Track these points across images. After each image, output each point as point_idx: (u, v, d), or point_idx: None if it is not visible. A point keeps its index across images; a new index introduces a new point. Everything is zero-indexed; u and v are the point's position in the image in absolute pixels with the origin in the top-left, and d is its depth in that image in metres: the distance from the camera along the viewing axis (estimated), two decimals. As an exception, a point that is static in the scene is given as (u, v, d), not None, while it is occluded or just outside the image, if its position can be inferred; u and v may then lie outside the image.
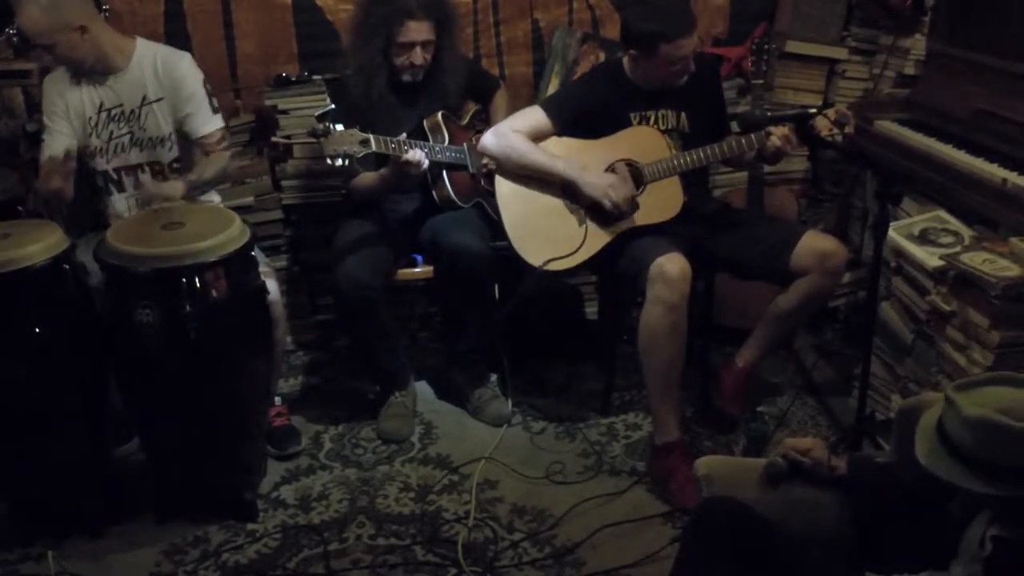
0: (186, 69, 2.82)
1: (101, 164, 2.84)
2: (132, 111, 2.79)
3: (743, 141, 2.81)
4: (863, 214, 3.47)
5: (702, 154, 2.82)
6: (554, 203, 2.87)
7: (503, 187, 2.91)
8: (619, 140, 2.87)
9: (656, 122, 2.90)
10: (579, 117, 2.89)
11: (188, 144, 2.87)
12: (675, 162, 2.83)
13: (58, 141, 2.76)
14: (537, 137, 2.88)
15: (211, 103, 2.85)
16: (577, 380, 3.37)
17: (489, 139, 2.90)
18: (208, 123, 2.84)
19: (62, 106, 2.76)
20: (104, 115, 2.79)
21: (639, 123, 2.89)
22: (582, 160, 2.86)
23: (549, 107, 2.92)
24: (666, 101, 2.90)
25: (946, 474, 1.49)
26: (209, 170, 2.82)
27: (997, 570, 1.53)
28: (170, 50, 2.86)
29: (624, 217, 2.82)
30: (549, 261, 2.82)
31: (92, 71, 2.75)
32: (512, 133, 2.87)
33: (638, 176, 2.85)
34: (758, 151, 2.83)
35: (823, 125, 2.68)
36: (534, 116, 2.91)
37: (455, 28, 3.08)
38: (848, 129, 2.69)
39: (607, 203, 2.78)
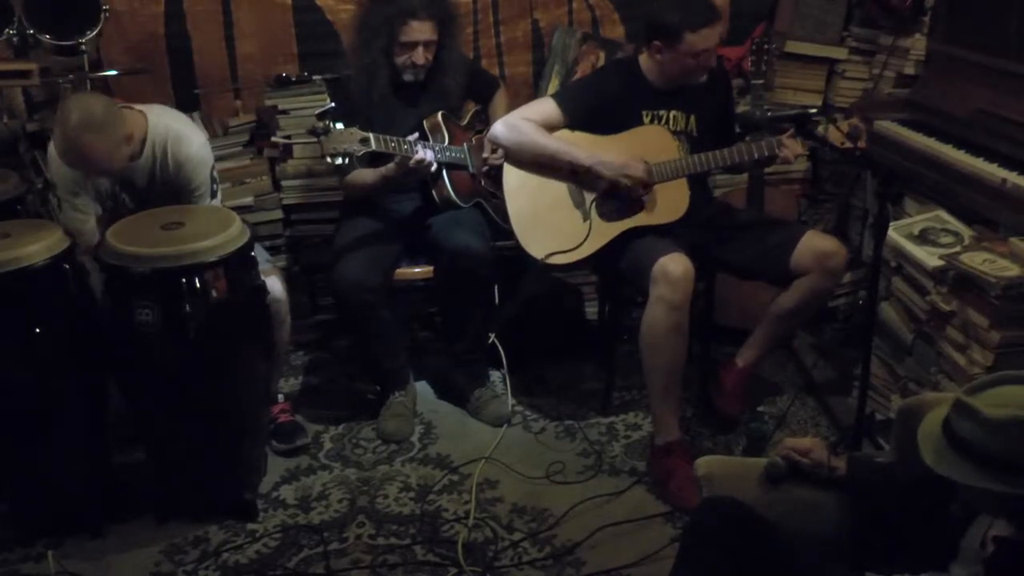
0: (195, 162, 2.72)
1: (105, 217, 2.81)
2: (141, 189, 2.75)
3: (753, 148, 2.79)
4: (863, 214, 3.48)
5: (711, 158, 2.81)
6: (560, 197, 2.88)
7: (510, 179, 2.91)
8: (629, 138, 2.86)
9: (667, 122, 2.90)
10: (590, 112, 2.88)
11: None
12: (683, 164, 2.82)
13: (89, 210, 2.72)
14: (546, 129, 2.87)
15: (212, 189, 2.78)
16: (577, 380, 3.37)
17: (499, 128, 2.89)
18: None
19: (76, 178, 2.66)
20: (117, 186, 2.75)
21: (651, 122, 2.88)
22: (596, 148, 2.85)
23: (561, 99, 2.91)
24: (679, 102, 2.89)
25: (962, 478, 1.46)
26: None
27: (998, 570, 1.53)
28: (179, 136, 2.70)
29: (635, 207, 2.81)
30: (552, 254, 2.82)
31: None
32: (523, 122, 2.85)
33: (644, 184, 2.84)
34: (766, 158, 2.83)
35: (835, 137, 2.66)
36: (545, 108, 2.90)
37: (457, 28, 3.09)
38: (861, 143, 2.66)
39: (626, 181, 2.77)
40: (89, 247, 2.61)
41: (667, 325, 2.65)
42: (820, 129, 2.72)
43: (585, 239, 2.83)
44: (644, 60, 2.88)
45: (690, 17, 2.69)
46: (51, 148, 2.66)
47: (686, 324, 2.68)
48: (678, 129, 2.91)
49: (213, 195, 2.80)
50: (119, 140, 2.51)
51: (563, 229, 2.84)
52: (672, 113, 2.90)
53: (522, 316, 3.38)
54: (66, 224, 2.67)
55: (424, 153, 2.83)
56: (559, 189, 2.88)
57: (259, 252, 2.73)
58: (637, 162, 2.79)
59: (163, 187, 2.73)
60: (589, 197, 2.87)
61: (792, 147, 2.76)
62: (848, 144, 2.62)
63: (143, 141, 2.66)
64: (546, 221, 2.86)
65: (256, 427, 2.80)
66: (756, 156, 2.80)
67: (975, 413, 1.45)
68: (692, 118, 2.92)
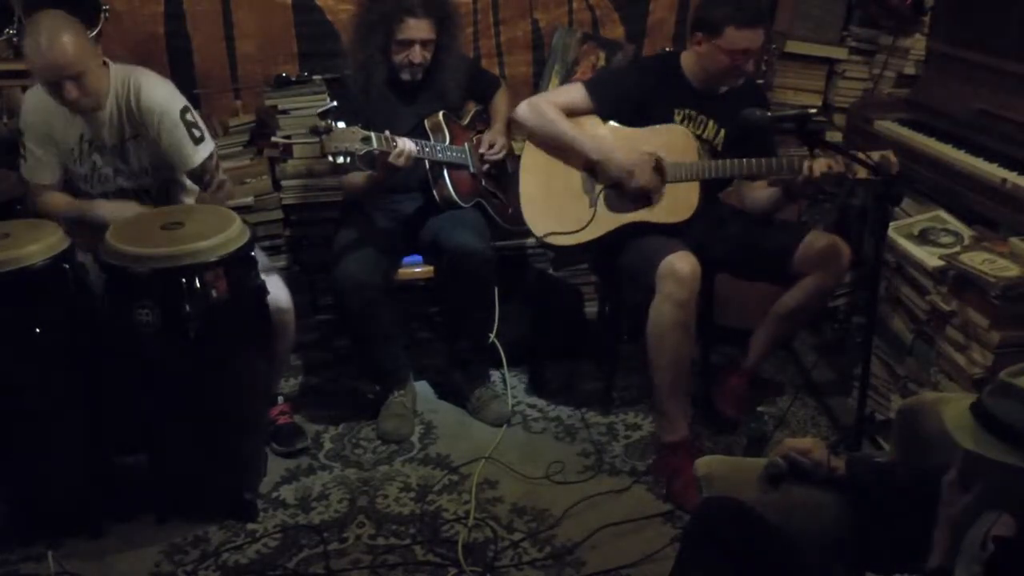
0: (162, 104, 2.67)
1: (85, 188, 2.78)
2: (113, 146, 2.72)
3: (773, 162, 2.75)
4: (863, 214, 3.47)
5: (727, 166, 2.79)
6: (571, 181, 2.89)
7: (528, 156, 2.94)
8: (652, 134, 2.86)
9: (695, 125, 2.88)
10: (619, 103, 2.88)
11: (170, 174, 2.80)
12: (699, 168, 2.81)
13: (48, 169, 2.72)
14: (572, 114, 2.88)
15: (192, 133, 2.69)
16: (577, 380, 3.37)
17: (523, 108, 2.92)
18: (194, 154, 2.71)
19: (45, 130, 2.68)
20: (87, 145, 2.72)
21: (682, 121, 2.87)
22: (611, 143, 2.86)
23: (591, 87, 2.91)
24: (713, 111, 2.87)
25: (1007, 459, 1.42)
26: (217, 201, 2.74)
27: (998, 570, 1.52)
28: (144, 82, 2.68)
29: (642, 203, 2.82)
30: (551, 234, 2.86)
31: (86, 106, 2.62)
32: (546, 104, 2.88)
33: (660, 174, 2.84)
34: (786, 184, 2.76)
35: (860, 171, 2.58)
36: (573, 93, 2.91)
37: (455, 27, 3.08)
38: (894, 170, 2.49)
39: (632, 183, 2.77)
40: (41, 207, 2.69)
41: (674, 322, 2.65)
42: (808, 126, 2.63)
43: (587, 225, 2.84)
44: (686, 57, 2.87)
45: (736, 13, 2.68)
46: (27, 94, 2.71)
47: (693, 322, 2.68)
48: (705, 137, 2.89)
49: (197, 140, 2.70)
50: (88, 46, 2.54)
51: (568, 212, 2.86)
52: (703, 118, 2.88)
53: (522, 316, 3.37)
54: (26, 177, 2.73)
55: (402, 143, 2.79)
56: (572, 173, 2.90)
57: (261, 258, 2.73)
58: (646, 169, 2.78)
59: (135, 141, 2.71)
60: (599, 186, 2.88)
61: (819, 164, 2.64)
62: (872, 177, 2.55)
63: (107, 89, 2.64)
64: (553, 201, 2.89)
65: (256, 427, 2.80)
66: (775, 169, 2.75)
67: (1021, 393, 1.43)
68: (722, 132, 2.89)
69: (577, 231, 2.84)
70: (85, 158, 2.74)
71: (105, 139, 2.71)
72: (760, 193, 2.94)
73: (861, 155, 2.52)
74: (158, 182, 2.81)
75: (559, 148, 2.88)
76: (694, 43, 2.81)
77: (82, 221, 2.70)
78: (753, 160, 2.77)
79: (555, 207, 2.88)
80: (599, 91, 2.89)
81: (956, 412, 1.53)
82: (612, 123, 2.89)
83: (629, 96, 2.87)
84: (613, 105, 2.88)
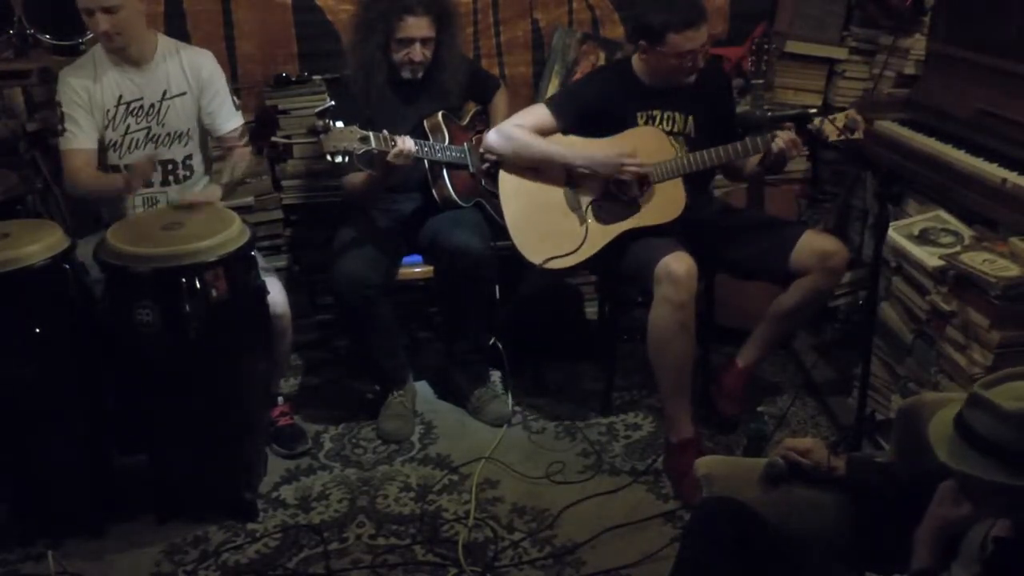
0: (212, 68, 2.88)
1: (113, 159, 2.83)
2: (152, 105, 2.80)
3: (748, 143, 2.79)
4: (863, 214, 3.48)
5: (707, 156, 2.81)
6: (556, 201, 2.88)
7: (506, 184, 2.92)
8: (624, 140, 2.86)
9: (662, 123, 2.89)
10: (583, 116, 2.88)
11: (207, 140, 2.93)
12: (679, 163, 2.82)
13: (87, 135, 2.77)
14: (540, 134, 2.88)
15: (233, 100, 2.91)
16: (577, 380, 3.37)
17: (492, 137, 2.91)
18: (230, 120, 2.89)
19: (84, 97, 2.76)
20: (123, 108, 2.79)
21: (645, 123, 2.88)
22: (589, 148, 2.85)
23: (553, 105, 2.92)
24: (674, 103, 2.89)
25: (978, 472, 1.43)
26: (239, 169, 2.89)
27: (998, 571, 1.52)
28: (194, 48, 2.91)
29: (632, 209, 2.81)
30: (549, 259, 2.82)
31: (122, 57, 2.76)
32: (516, 128, 2.87)
33: (643, 177, 2.84)
34: (762, 157, 2.82)
35: (831, 130, 2.65)
36: (537, 114, 2.91)
37: (455, 26, 3.08)
38: (858, 135, 2.64)
39: (625, 176, 2.77)
40: (75, 180, 2.75)
41: (673, 324, 2.65)
42: (815, 123, 2.70)
43: (583, 243, 2.83)
44: (636, 60, 2.89)
45: (673, 17, 2.69)
46: (63, 71, 2.80)
47: (692, 322, 2.68)
48: (675, 130, 2.90)
49: (237, 107, 2.91)
50: None
51: (560, 233, 2.85)
52: (667, 113, 2.89)
53: (522, 316, 3.38)
54: (63, 148, 2.76)
55: (400, 142, 2.79)
56: (555, 193, 2.89)
57: (259, 261, 2.73)
58: (632, 156, 2.79)
59: (174, 101, 2.81)
60: (585, 200, 2.88)
61: (784, 136, 2.71)
62: (843, 136, 2.61)
63: (154, 50, 2.81)
64: (543, 225, 2.87)
65: (256, 427, 2.80)
66: (751, 150, 2.79)
67: (992, 407, 1.43)
68: (690, 119, 2.91)
69: (574, 251, 2.82)
70: (120, 122, 2.80)
71: (145, 97, 2.79)
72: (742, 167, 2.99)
73: (829, 126, 2.60)
74: (184, 154, 2.88)
75: (537, 168, 2.88)
76: (640, 51, 2.82)
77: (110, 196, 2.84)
78: (729, 147, 2.80)
79: (546, 230, 2.86)
80: (561, 108, 2.90)
81: (940, 423, 1.53)
82: (572, 136, 2.89)
83: (590, 108, 2.88)
84: (576, 120, 2.88)
